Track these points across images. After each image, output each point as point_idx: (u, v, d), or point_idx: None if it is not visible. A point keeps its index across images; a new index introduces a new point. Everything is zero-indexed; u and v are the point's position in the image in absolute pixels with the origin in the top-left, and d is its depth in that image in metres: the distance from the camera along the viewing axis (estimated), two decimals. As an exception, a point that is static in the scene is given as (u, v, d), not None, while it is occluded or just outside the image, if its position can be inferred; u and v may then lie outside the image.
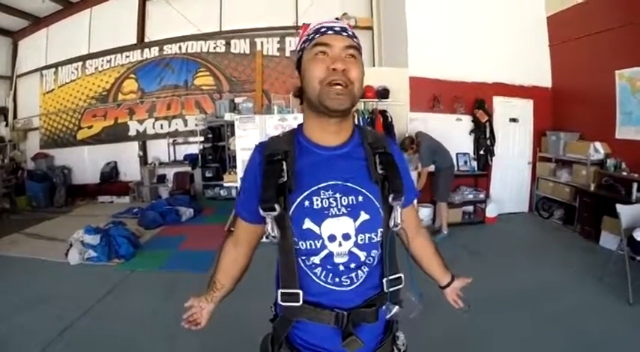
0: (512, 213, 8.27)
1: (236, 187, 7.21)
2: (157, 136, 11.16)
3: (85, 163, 11.57)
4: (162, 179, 10.90)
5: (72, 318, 4.27)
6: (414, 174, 7.10)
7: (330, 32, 1.28)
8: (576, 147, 7.20)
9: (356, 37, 1.32)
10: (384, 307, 1.33)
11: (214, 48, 10.82)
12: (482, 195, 7.75)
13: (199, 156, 10.52)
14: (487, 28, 7.79)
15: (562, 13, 7.83)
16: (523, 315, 4.12)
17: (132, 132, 11.23)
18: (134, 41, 11.06)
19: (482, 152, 7.82)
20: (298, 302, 1.27)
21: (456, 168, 7.26)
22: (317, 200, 1.27)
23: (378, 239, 1.30)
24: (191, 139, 10.97)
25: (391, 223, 1.29)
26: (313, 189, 1.28)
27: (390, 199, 1.28)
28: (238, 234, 1.54)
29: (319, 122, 1.33)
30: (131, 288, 5.20)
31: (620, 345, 3.61)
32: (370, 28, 10.18)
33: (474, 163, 7.91)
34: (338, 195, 1.27)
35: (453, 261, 5.27)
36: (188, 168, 10.73)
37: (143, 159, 11.17)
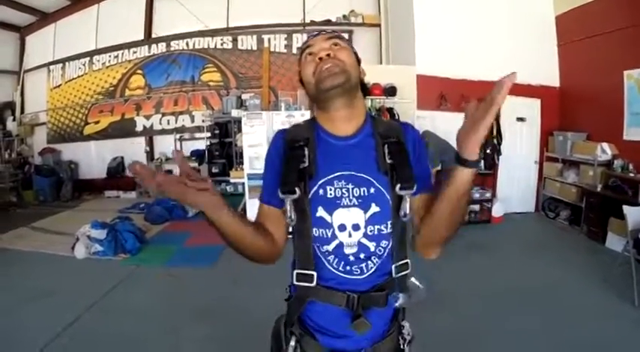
0: (518, 212, 8.25)
1: (242, 183, 7.22)
2: (163, 132, 11.20)
3: (92, 158, 11.63)
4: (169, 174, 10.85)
5: (78, 312, 4.30)
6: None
7: (310, 38, 1.38)
8: (583, 148, 7.17)
9: (339, 36, 1.39)
10: (392, 294, 1.35)
11: (221, 44, 10.83)
12: (488, 195, 7.73)
13: (206, 152, 10.53)
14: (495, 26, 7.77)
15: (570, 13, 7.80)
16: (527, 315, 4.11)
17: (139, 128, 11.27)
18: (141, 37, 11.09)
19: (488, 151, 7.78)
20: (312, 282, 1.32)
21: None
22: (330, 189, 1.30)
23: (388, 230, 1.32)
24: (198, 135, 10.98)
25: (401, 213, 1.29)
26: (328, 178, 1.31)
27: (398, 189, 1.27)
28: (264, 222, 1.43)
29: (328, 116, 1.37)
30: (137, 283, 5.23)
31: (625, 347, 3.61)
32: (378, 26, 10.17)
33: (481, 162, 7.88)
34: (350, 186, 1.30)
35: (459, 259, 5.28)
36: (195, 164, 10.72)
37: (150, 155, 11.23)
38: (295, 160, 1.31)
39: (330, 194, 1.30)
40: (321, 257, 1.33)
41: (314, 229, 1.31)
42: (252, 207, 6.80)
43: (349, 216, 1.29)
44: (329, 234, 1.30)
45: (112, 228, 6.29)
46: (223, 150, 10.28)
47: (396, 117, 7.07)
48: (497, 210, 7.70)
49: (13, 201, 10.15)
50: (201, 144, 10.79)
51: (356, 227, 1.29)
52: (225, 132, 10.26)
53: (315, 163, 1.32)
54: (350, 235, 1.29)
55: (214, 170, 10.33)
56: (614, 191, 6.35)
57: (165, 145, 11.24)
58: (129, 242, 6.21)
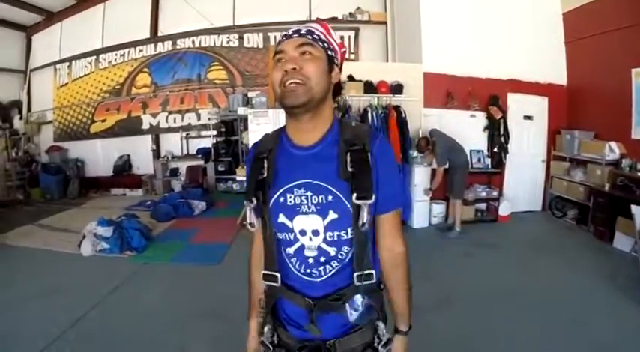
0: (525, 211, 8.21)
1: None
2: (170, 130, 11.23)
3: (99, 156, 11.69)
4: (174, 172, 10.95)
5: (84, 309, 4.32)
6: (427, 171, 7.09)
7: (283, 39, 1.37)
8: (591, 147, 7.12)
9: (311, 34, 1.36)
10: (352, 301, 1.39)
11: (227, 42, 10.84)
12: (495, 193, 7.70)
13: (212, 149, 10.58)
14: (502, 23, 7.72)
15: (578, 10, 7.75)
16: (534, 315, 4.09)
17: (145, 126, 11.30)
18: (147, 35, 11.12)
19: (496, 149, 7.76)
20: (277, 282, 1.43)
21: (469, 166, 7.22)
22: (290, 197, 1.36)
23: (349, 236, 1.35)
24: (204, 133, 11.02)
25: (359, 223, 1.31)
26: (287, 186, 1.37)
27: (354, 198, 1.29)
28: (256, 237, 1.61)
29: (293, 122, 1.41)
30: (143, 280, 5.25)
31: (632, 348, 3.58)
32: (384, 23, 10.14)
33: (488, 160, 7.86)
34: (309, 194, 1.35)
35: (466, 258, 5.27)
36: (201, 162, 10.79)
37: (156, 153, 11.25)
38: (256, 172, 1.41)
39: (290, 201, 1.36)
40: (285, 259, 1.42)
41: (277, 233, 1.41)
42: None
43: (308, 222, 1.35)
44: (291, 238, 1.39)
45: (119, 226, 6.31)
46: (229, 147, 10.31)
47: (403, 116, 7.04)
48: (504, 209, 7.67)
49: (20, 198, 10.24)
50: (208, 142, 10.83)
51: (315, 232, 1.36)
52: (231, 130, 10.32)
53: (273, 173, 1.39)
54: (310, 239, 1.36)
55: (220, 168, 10.38)
56: (622, 190, 6.28)
57: (171, 143, 11.29)
58: (135, 239, 6.23)
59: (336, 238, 1.35)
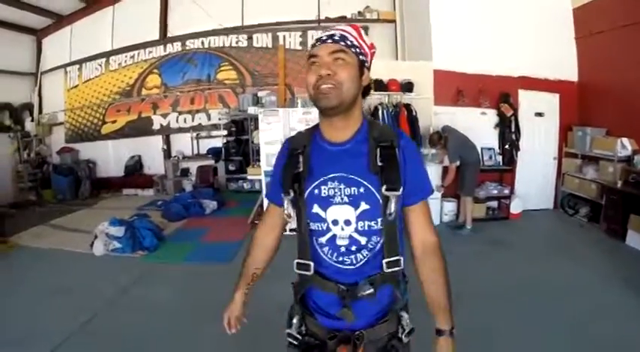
0: (536, 209, 8.15)
1: (259, 180, 7.27)
2: (180, 130, 11.27)
3: (110, 157, 11.78)
4: (185, 172, 11.01)
5: (96, 308, 4.37)
6: (438, 168, 7.07)
7: (317, 44, 1.45)
8: (603, 143, 7.07)
9: (345, 40, 1.43)
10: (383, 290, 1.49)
11: (237, 42, 10.87)
12: (506, 191, 7.67)
13: (223, 149, 10.61)
14: (512, 20, 7.69)
15: (588, 6, 7.68)
16: (545, 313, 4.08)
17: (156, 126, 11.35)
18: (157, 37, 11.19)
19: (507, 147, 7.73)
20: (310, 271, 1.51)
21: (481, 163, 7.21)
22: (324, 189, 1.46)
23: (379, 226, 1.45)
24: (214, 133, 11.05)
25: (386, 212, 1.41)
26: (322, 179, 1.47)
27: (384, 189, 1.40)
28: (267, 218, 1.77)
29: (327, 121, 1.53)
30: (155, 280, 5.28)
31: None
32: (393, 22, 10.13)
33: (499, 158, 7.83)
34: (342, 186, 1.45)
35: (477, 256, 5.25)
36: (211, 162, 10.84)
37: (167, 153, 11.32)
38: (291, 166, 1.52)
39: (324, 193, 1.46)
40: (318, 248, 1.51)
41: (311, 223, 1.50)
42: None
43: (341, 212, 1.45)
44: (324, 227, 1.48)
45: (130, 226, 6.36)
46: (240, 147, 10.36)
47: (414, 113, 7.04)
48: (515, 207, 7.64)
49: (32, 199, 10.32)
50: (218, 142, 10.90)
51: (347, 222, 1.45)
52: (241, 130, 10.37)
53: (308, 167, 1.50)
54: (342, 229, 1.45)
55: (231, 167, 10.43)
56: (635, 187, 6.22)
57: (182, 143, 11.34)
58: (147, 239, 6.28)
59: (366, 228, 1.44)
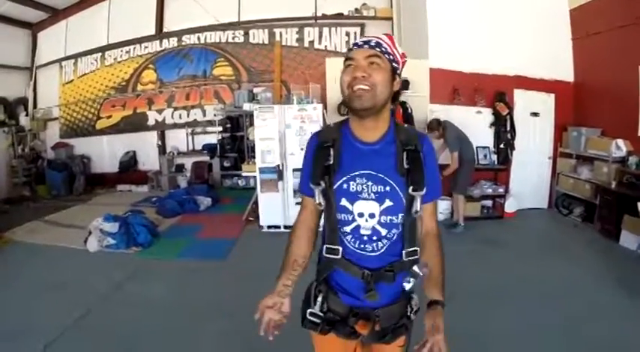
0: (531, 208, 8.16)
1: (254, 177, 7.27)
2: (175, 126, 11.26)
3: (104, 152, 11.74)
4: (180, 168, 10.97)
5: (90, 304, 4.37)
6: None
7: (354, 48, 1.57)
8: (598, 144, 7.08)
9: (380, 46, 1.54)
10: (402, 275, 1.65)
11: (233, 38, 10.85)
12: (501, 190, 7.66)
13: (218, 145, 10.61)
14: (508, 19, 7.69)
15: (585, 6, 7.69)
16: (539, 312, 4.09)
17: (150, 122, 11.34)
18: (153, 32, 11.15)
19: (502, 146, 7.74)
20: (338, 255, 1.63)
21: (476, 162, 7.22)
22: (353, 184, 1.58)
23: (399, 221, 1.59)
24: (209, 129, 11.04)
25: (412, 210, 1.57)
26: (351, 175, 1.58)
27: (411, 190, 1.54)
28: (303, 210, 1.82)
29: (358, 120, 1.62)
30: (149, 276, 5.28)
31: (637, 346, 3.57)
32: (390, 19, 10.11)
33: (494, 157, 7.84)
34: (370, 183, 1.57)
35: (471, 255, 5.25)
36: (206, 158, 10.82)
37: (162, 149, 11.29)
38: (322, 158, 1.62)
39: (353, 188, 1.58)
40: (342, 237, 1.64)
41: (338, 214, 1.60)
42: (264, 201, 6.85)
43: (367, 206, 1.57)
44: (349, 218, 1.60)
45: (125, 222, 6.34)
46: (235, 143, 10.34)
47: (410, 111, 7.04)
48: (509, 206, 7.66)
49: (26, 195, 10.26)
50: (213, 138, 10.88)
51: (372, 215, 1.58)
52: (236, 126, 10.33)
53: (339, 161, 1.61)
54: (366, 221, 1.58)
55: (226, 164, 10.41)
56: (629, 188, 6.24)
57: (177, 139, 11.35)
58: (141, 235, 6.26)
59: (388, 221, 1.59)
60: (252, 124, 7.58)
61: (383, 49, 1.53)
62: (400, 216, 1.58)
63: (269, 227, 6.93)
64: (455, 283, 4.51)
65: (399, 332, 1.69)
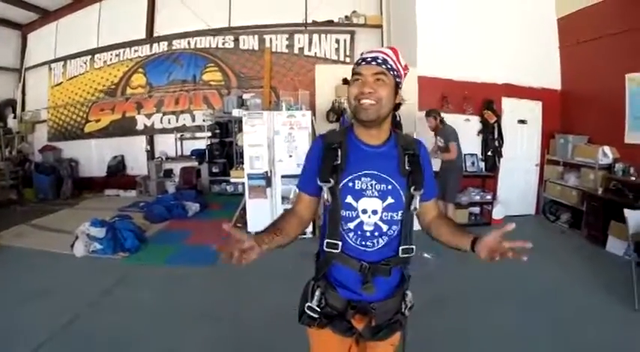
0: (518, 215, 8.17)
1: (242, 183, 7.23)
2: (164, 131, 11.21)
3: (92, 156, 11.66)
4: (168, 174, 10.94)
5: (76, 310, 4.31)
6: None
7: (363, 63, 1.69)
8: (585, 151, 7.15)
9: (386, 63, 1.67)
10: (397, 267, 1.79)
11: (223, 43, 10.85)
12: (489, 197, 7.71)
13: (206, 151, 10.57)
14: (497, 28, 7.75)
15: (573, 15, 7.79)
16: (526, 319, 4.11)
17: (139, 127, 11.28)
18: (143, 36, 11.13)
19: (490, 153, 7.79)
20: (337, 249, 1.73)
21: (464, 169, 7.25)
22: (358, 183, 1.70)
23: (399, 218, 1.72)
24: (198, 134, 11.01)
25: (411, 207, 1.72)
26: (356, 174, 1.70)
27: (412, 189, 1.70)
28: (296, 205, 1.92)
29: (362, 128, 1.76)
30: (137, 282, 5.23)
31: (623, 351, 3.60)
32: (380, 27, 10.18)
33: (482, 164, 7.88)
34: (374, 182, 1.69)
35: (459, 262, 5.26)
36: (195, 164, 10.79)
37: (150, 154, 11.23)
38: (330, 158, 1.72)
39: (358, 186, 1.69)
40: (344, 233, 1.73)
41: (342, 211, 1.70)
42: (252, 208, 6.83)
43: (370, 203, 1.69)
44: (353, 215, 1.70)
45: (112, 227, 6.29)
46: (224, 149, 10.33)
47: (398, 119, 7.05)
48: (497, 213, 7.69)
49: (13, 198, 10.16)
50: (202, 144, 10.84)
51: (374, 212, 1.69)
52: (225, 132, 10.32)
53: (345, 161, 1.72)
54: (369, 217, 1.69)
55: (214, 169, 10.40)
56: (615, 194, 6.31)
57: (165, 144, 11.28)
58: (128, 240, 6.21)
59: (389, 218, 1.70)
60: (241, 130, 7.55)
61: (389, 66, 1.67)
62: (400, 213, 1.71)
63: (257, 233, 6.87)
64: (445, 289, 4.53)
65: (393, 328, 1.81)
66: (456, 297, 4.49)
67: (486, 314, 4.22)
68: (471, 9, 7.71)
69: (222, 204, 9.23)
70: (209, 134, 10.51)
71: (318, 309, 1.77)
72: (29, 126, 11.91)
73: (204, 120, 10.63)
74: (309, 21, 10.51)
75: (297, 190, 1.95)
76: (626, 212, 4.72)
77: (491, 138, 7.74)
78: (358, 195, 1.69)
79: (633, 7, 6.52)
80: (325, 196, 1.72)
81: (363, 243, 1.73)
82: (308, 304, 1.79)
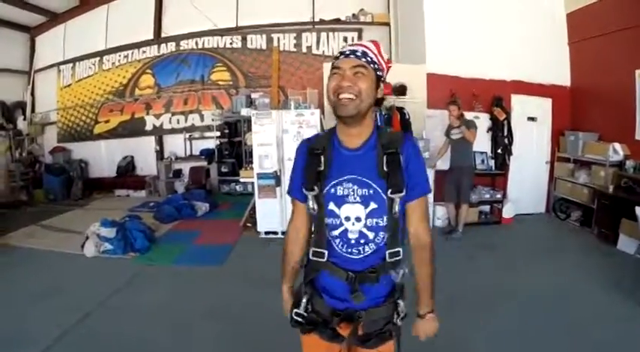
0: (529, 213, 8.17)
1: (252, 182, 7.23)
2: (173, 131, 11.25)
3: (102, 157, 11.74)
4: (178, 174, 10.97)
5: (87, 310, 4.33)
6: (431, 173, 7.07)
7: (341, 57, 1.64)
8: (595, 148, 7.11)
9: (366, 56, 1.62)
10: (391, 273, 1.69)
11: (231, 43, 10.87)
12: (499, 195, 7.67)
13: (215, 151, 10.61)
14: (506, 24, 7.72)
15: (582, 10, 7.73)
16: (537, 318, 4.08)
17: (148, 127, 11.33)
18: (151, 37, 11.17)
19: (499, 151, 7.75)
20: (323, 258, 1.71)
21: (474, 167, 7.26)
22: (340, 189, 1.64)
23: (384, 223, 1.64)
24: (207, 134, 11.03)
25: (392, 212, 1.62)
26: (338, 180, 1.65)
27: (389, 192, 1.60)
28: (294, 215, 1.91)
29: (343, 127, 1.70)
30: (146, 282, 5.25)
31: (635, 351, 3.57)
32: (387, 24, 10.14)
33: (492, 162, 7.85)
34: (355, 187, 1.63)
35: (469, 261, 5.26)
36: (204, 163, 10.82)
37: (159, 154, 11.29)
38: (313, 164, 1.69)
39: (340, 192, 1.64)
40: (331, 240, 1.70)
41: (326, 218, 1.68)
42: (262, 207, 6.81)
43: (353, 210, 1.64)
44: (337, 222, 1.66)
45: (122, 227, 6.32)
46: (233, 149, 10.35)
47: (407, 117, 7.03)
48: (507, 211, 7.65)
49: (23, 199, 10.25)
50: (211, 144, 10.87)
51: (358, 219, 1.64)
52: (234, 132, 10.34)
53: (328, 167, 1.67)
54: (353, 224, 1.65)
55: (224, 169, 10.40)
56: (626, 192, 6.26)
57: (175, 144, 11.32)
58: (138, 241, 6.24)
59: (374, 224, 1.64)
60: (249, 130, 7.55)
61: (369, 59, 1.61)
62: (385, 218, 1.64)
63: (267, 233, 6.90)
64: (453, 289, 4.52)
65: (383, 338, 1.74)
66: (462, 298, 4.44)
67: (494, 315, 4.19)
68: (479, 5, 7.69)
69: (232, 204, 9.26)
70: (218, 134, 10.53)
71: (305, 314, 1.76)
72: (39, 127, 12.01)
73: (212, 120, 10.63)
74: (317, 19, 10.50)
75: (290, 197, 1.90)
76: (638, 210, 4.71)
77: (501, 135, 7.70)
78: (340, 201, 1.65)
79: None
80: (311, 205, 1.69)
81: (350, 250, 1.68)
82: (296, 310, 1.77)
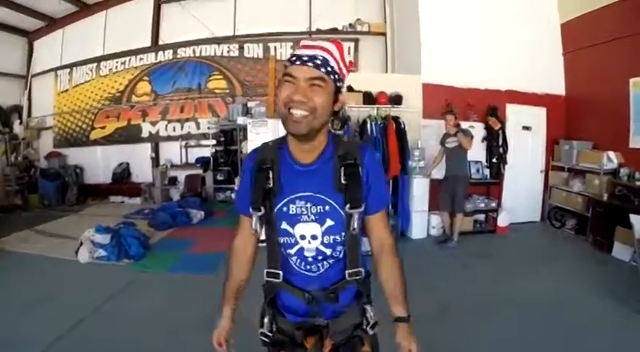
0: (523, 222, 8.19)
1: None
2: (169, 138, 11.26)
3: (98, 163, 11.71)
4: (173, 181, 10.95)
5: (80, 316, 4.30)
6: (425, 182, 7.08)
7: (297, 63, 1.39)
8: (589, 157, 7.15)
9: (327, 65, 1.39)
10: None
11: (228, 52, 10.91)
12: (494, 204, 7.70)
13: (211, 159, 10.60)
14: (500, 34, 7.78)
15: (576, 21, 7.81)
16: (532, 326, 4.08)
17: (144, 134, 11.34)
18: (148, 44, 11.19)
19: (494, 160, 7.77)
20: (279, 279, 1.62)
21: (470, 177, 7.28)
22: (293, 207, 1.53)
23: (342, 239, 1.55)
24: (203, 142, 11.03)
25: (350, 228, 1.51)
26: (291, 197, 1.53)
27: (347, 208, 1.49)
28: (241, 229, 1.75)
29: (295, 142, 1.53)
30: (140, 289, 5.22)
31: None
32: (383, 34, 10.21)
33: (486, 171, 7.87)
34: (309, 205, 1.52)
35: (463, 270, 5.26)
36: (200, 171, 10.80)
37: (155, 161, 11.27)
38: (261, 180, 1.54)
39: (292, 211, 1.53)
40: (287, 258, 1.61)
41: (280, 237, 1.58)
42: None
43: (308, 228, 1.54)
44: (292, 241, 1.57)
45: (116, 233, 6.30)
46: (228, 157, 10.34)
47: (402, 126, 7.04)
48: (502, 220, 7.66)
49: (18, 204, 10.19)
50: (207, 152, 10.85)
51: (314, 237, 1.54)
52: (230, 140, 10.34)
53: (278, 185, 1.54)
54: (309, 242, 1.55)
55: (219, 177, 10.40)
56: (621, 200, 6.31)
57: (170, 152, 11.32)
58: (132, 247, 6.21)
59: (331, 241, 1.55)
60: (245, 138, 7.56)
61: (329, 69, 1.39)
62: (343, 234, 1.54)
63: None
64: (448, 298, 4.52)
65: (352, 344, 1.64)
66: (458, 308, 4.44)
67: (489, 324, 4.19)
68: (475, 16, 7.75)
69: (227, 212, 9.21)
70: (214, 142, 10.55)
71: (270, 334, 1.67)
72: (35, 132, 11.98)
73: (209, 128, 10.64)
74: (314, 29, 10.52)
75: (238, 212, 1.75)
76: (632, 217, 4.72)
77: (496, 144, 7.73)
78: (293, 220, 1.53)
79: (637, 12, 6.54)
80: (254, 226, 1.56)
81: (307, 267, 1.59)
82: (260, 330, 1.69)
